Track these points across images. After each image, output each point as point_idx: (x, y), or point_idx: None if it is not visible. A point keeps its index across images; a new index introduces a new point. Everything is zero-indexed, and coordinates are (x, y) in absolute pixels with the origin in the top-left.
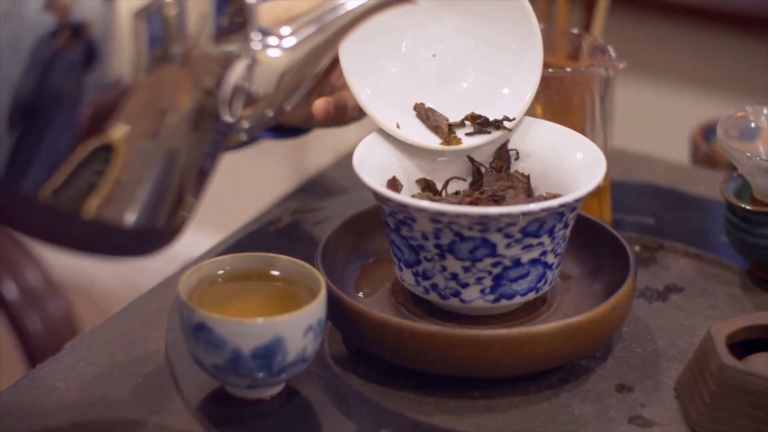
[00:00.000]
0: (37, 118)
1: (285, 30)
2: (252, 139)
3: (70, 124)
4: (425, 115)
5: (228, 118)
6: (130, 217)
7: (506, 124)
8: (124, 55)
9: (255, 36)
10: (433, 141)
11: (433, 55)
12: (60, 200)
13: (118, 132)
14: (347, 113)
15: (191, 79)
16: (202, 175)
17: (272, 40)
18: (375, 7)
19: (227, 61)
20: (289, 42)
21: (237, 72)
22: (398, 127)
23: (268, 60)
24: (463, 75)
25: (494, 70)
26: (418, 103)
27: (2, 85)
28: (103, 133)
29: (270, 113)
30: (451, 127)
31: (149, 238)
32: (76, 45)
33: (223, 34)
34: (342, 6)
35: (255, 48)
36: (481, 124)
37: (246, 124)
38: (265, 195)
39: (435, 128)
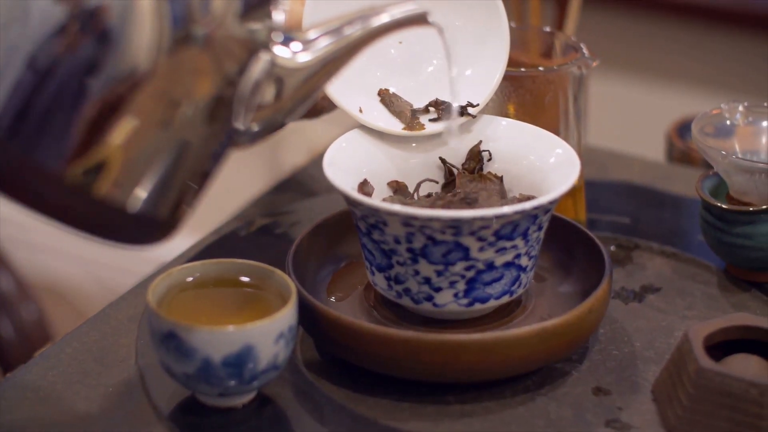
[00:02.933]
0: (56, 89)
1: (308, 36)
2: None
3: (88, 101)
4: (389, 100)
5: (242, 119)
6: (135, 202)
7: (470, 110)
8: (144, 36)
9: (277, 37)
10: (395, 126)
11: (400, 42)
12: (70, 175)
13: (133, 116)
14: (317, 103)
15: (212, 65)
16: (206, 172)
17: (295, 45)
18: (394, 25)
19: (251, 50)
20: (311, 49)
21: (257, 71)
22: (361, 111)
23: (288, 64)
24: (428, 61)
25: (460, 56)
26: (383, 88)
27: (20, 53)
28: (118, 115)
29: (279, 119)
30: (415, 112)
31: (150, 226)
32: (96, 23)
33: (249, 12)
34: (363, 19)
35: (278, 53)
36: (444, 110)
37: (255, 127)
38: (239, 194)
39: (398, 114)
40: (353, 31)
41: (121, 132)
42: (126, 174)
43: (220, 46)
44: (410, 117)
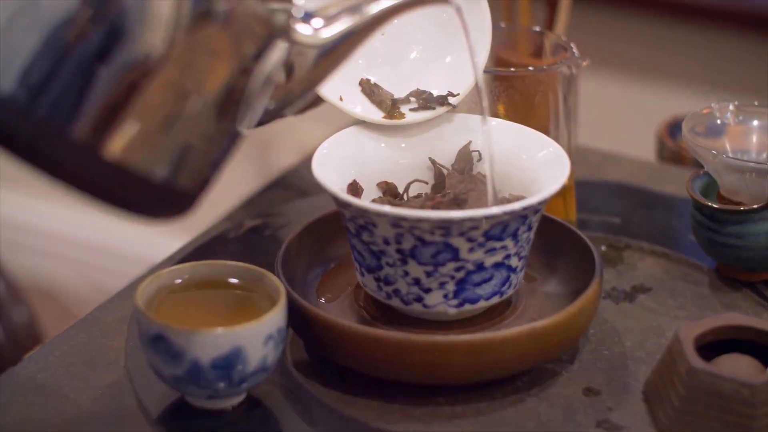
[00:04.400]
0: (80, 56)
1: (329, 12)
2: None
3: (113, 69)
4: (370, 90)
5: (258, 96)
6: (157, 170)
7: (450, 100)
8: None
9: (298, 14)
10: (376, 115)
11: (382, 34)
12: (95, 142)
13: (157, 87)
14: None
15: (232, 44)
16: (226, 149)
17: (316, 22)
18: (414, 2)
19: (270, 30)
20: (332, 26)
21: (276, 53)
22: (341, 99)
23: (309, 41)
24: (409, 52)
25: (441, 47)
26: (364, 78)
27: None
28: (143, 85)
29: (298, 96)
30: (396, 102)
31: (169, 198)
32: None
33: None
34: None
35: (299, 30)
36: (425, 99)
37: (271, 105)
38: (229, 195)
39: (379, 103)
40: (373, 8)
41: (146, 101)
42: (150, 143)
43: (240, 23)
44: (391, 106)
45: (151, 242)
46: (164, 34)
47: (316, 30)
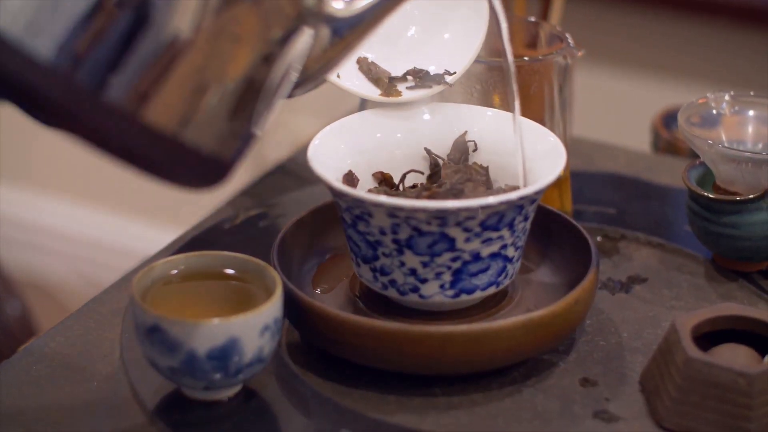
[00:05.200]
0: (123, 25)
1: None
2: None
3: (152, 37)
4: (367, 68)
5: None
6: (189, 134)
7: (447, 78)
8: None
9: None
10: (372, 92)
11: None
12: (131, 106)
13: (195, 56)
14: None
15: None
16: (270, 100)
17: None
18: None
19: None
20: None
21: (302, 40)
22: (338, 77)
23: (342, 14)
24: (407, 31)
25: (439, 23)
26: (361, 56)
27: None
28: (183, 54)
29: (330, 67)
30: (393, 80)
31: (204, 164)
32: None
33: None
34: None
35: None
36: (422, 78)
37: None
38: (219, 189)
39: (376, 81)
40: None
41: (184, 70)
42: (187, 109)
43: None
44: (388, 84)
45: (143, 236)
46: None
47: (346, 3)
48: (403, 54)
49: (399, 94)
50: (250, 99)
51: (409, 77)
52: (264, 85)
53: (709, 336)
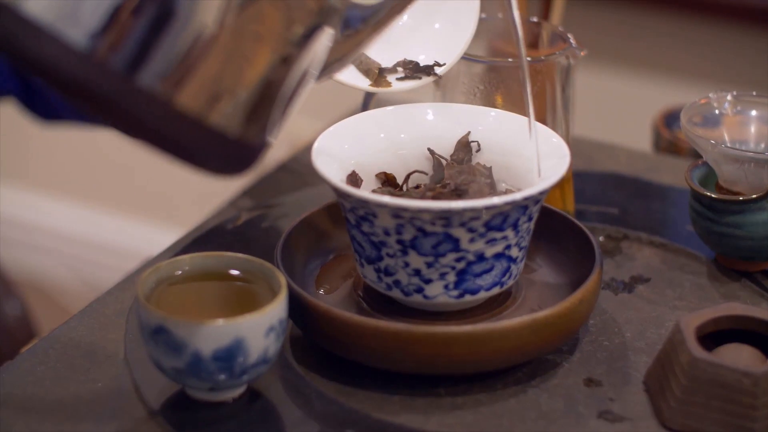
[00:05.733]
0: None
1: None
2: None
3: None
4: (357, 59)
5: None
6: (217, 118)
7: (437, 69)
8: None
9: None
10: (363, 83)
11: None
12: (166, 96)
13: (223, 43)
14: None
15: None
16: (285, 106)
17: None
18: None
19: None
20: None
21: (322, 39)
22: None
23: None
24: (398, 21)
25: (430, 13)
26: None
27: None
28: (211, 42)
29: (355, 52)
30: (383, 71)
31: (230, 149)
32: None
33: None
34: None
35: None
36: (412, 69)
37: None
38: (218, 188)
39: (366, 71)
40: None
41: (212, 57)
42: (218, 94)
43: None
44: (377, 75)
45: (142, 237)
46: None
47: None
48: (393, 44)
49: (389, 85)
50: (273, 87)
51: (399, 68)
52: (285, 79)
53: (713, 336)
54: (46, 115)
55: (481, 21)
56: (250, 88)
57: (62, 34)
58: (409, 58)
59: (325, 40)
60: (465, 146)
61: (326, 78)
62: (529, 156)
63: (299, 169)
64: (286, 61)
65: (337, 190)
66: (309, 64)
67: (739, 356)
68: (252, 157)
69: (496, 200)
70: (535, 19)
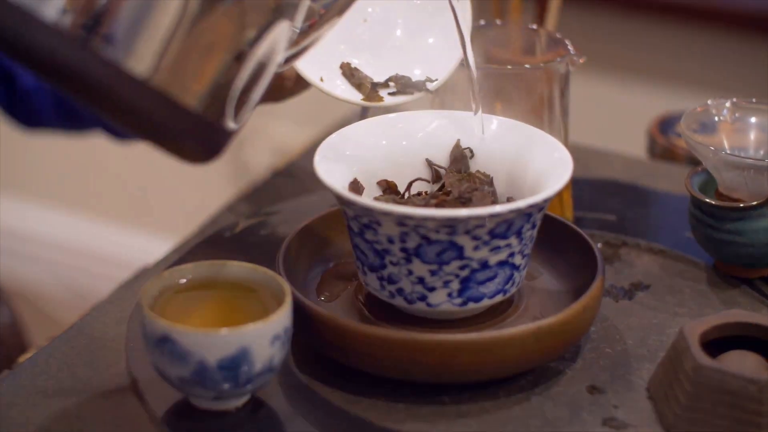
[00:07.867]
0: None
1: None
2: None
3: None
4: (350, 73)
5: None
6: (193, 101)
7: (428, 85)
8: None
9: None
10: (355, 97)
11: (365, 21)
12: (143, 76)
13: (205, 26)
14: (283, 83)
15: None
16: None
17: None
18: None
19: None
20: None
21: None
22: (321, 80)
23: None
24: (390, 39)
25: (423, 28)
26: (345, 62)
27: None
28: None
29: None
30: (375, 86)
31: (203, 131)
32: None
33: None
34: None
35: None
36: (404, 84)
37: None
38: (204, 197)
39: (358, 86)
40: None
41: (193, 41)
42: (193, 77)
43: None
44: (370, 89)
45: (134, 246)
46: None
47: None
48: (387, 59)
49: (381, 99)
50: (228, 79)
51: (391, 83)
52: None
53: (716, 343)
54: (28, 122)
55: (478, 28)
56: (207, 84)
57: (35, 11)
58: (402, 72)
59: (281, 32)
60: (459, 155)
61: (291, 63)
62: (533, 164)
63: (296, 174)
64: (239, 58)
65: (341, 198)
66: (265, 56)
67: (743, 363)
68: (223, 140)
69: (500, 208)
70: (534, 26)
